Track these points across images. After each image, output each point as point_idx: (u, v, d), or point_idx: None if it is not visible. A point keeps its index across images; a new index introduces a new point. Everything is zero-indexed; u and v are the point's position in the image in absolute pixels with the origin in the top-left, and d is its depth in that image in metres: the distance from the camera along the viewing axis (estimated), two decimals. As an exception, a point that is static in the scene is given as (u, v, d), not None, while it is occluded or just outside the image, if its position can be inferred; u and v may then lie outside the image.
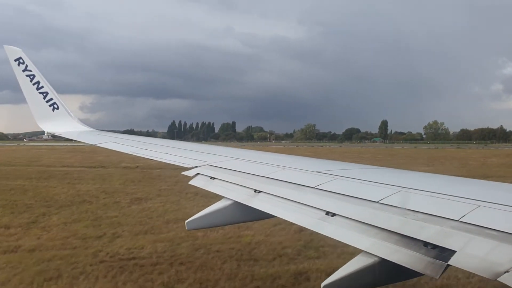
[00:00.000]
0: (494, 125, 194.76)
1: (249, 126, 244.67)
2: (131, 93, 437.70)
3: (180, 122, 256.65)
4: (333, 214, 3.29)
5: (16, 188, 22.86)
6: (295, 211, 3.66)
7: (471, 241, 2.44)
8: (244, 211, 4.27)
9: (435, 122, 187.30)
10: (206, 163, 5.78)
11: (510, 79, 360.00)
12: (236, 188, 4.57)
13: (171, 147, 7.59)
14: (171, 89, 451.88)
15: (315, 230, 3.28)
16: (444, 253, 2.46)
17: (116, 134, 10.45)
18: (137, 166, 35.54)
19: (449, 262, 2.38)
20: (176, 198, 19.51)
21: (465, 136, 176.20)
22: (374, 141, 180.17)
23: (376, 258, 2.76)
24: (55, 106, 10.43)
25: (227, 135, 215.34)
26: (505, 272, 2.11)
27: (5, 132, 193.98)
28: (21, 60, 10.05)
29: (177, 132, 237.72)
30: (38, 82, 10.18)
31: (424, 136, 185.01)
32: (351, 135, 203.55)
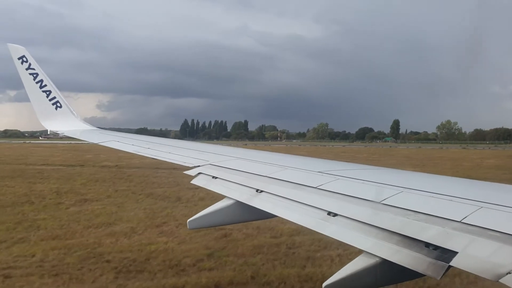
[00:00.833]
0: (511, 126, 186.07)
1: (262, 125, 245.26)
2: (148, 92, 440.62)
3: (192, 120, 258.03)
4: (335, 214, 3.29)
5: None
6: (296, 211, 3.66)
7: (473, 242, 2.43)
8: (246, 210, 4.27)
9: (448, 122, 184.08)
10: (209, 162, 5.79)
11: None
12: (238, 187, 4.58)
13: (174, 146, 7.59)
14: (187, 88, 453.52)
15: (316, 230, 3.28)
16: (445, 254, 2.45)
17: (119, 133, 10.47)
18: (116, 165, 34.81)
19: (451, 263, 2.38)
20: (124, 200, 18.90)
21: (479, 136, 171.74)
22: (385, 141, 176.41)
23: (377, 259, 2.76)
24: (58, 104, 10.48)
25: (239, 134, 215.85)
26: (507, 274, 2.10)
27: (22, 130, 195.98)
28: (24, 59, 10.10)
29: (189, 130, 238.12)
30: (41, 81, 10.22)
31: (438, 136, 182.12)
32: (364, 134, 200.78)
